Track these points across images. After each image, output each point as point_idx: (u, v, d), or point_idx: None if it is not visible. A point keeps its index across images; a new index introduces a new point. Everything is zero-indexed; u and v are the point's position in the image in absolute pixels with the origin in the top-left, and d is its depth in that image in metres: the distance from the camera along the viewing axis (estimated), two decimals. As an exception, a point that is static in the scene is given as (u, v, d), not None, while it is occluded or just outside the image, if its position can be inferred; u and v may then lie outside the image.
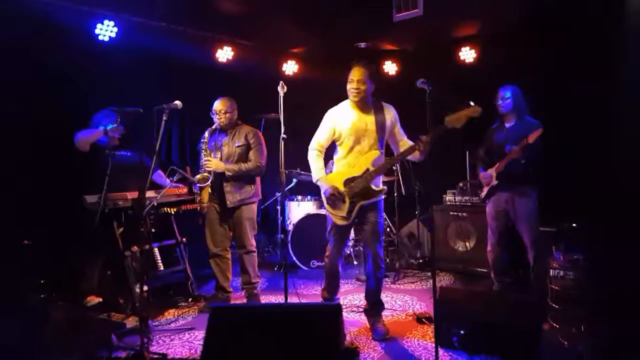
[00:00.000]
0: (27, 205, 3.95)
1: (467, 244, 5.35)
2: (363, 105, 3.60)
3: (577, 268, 3.52)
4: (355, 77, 3.53)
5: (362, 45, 6.15)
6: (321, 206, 6.31)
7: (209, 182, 4.05)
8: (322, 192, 3.62)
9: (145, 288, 3.80)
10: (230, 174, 4.12)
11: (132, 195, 3.96)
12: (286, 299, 3.32)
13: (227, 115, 4.19)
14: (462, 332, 3.24)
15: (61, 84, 4.44)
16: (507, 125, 4.13)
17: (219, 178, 4.15)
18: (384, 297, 3.74)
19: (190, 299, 4.44)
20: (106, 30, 4.58)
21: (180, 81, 5.61)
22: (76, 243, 4.15)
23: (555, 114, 4.36)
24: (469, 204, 5.42)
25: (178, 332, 3.71)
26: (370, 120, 3.58)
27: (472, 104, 3.23)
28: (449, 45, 6.02)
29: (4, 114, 3.87)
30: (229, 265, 4.38)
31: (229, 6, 4.83)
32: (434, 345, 3.26)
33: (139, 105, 3.73)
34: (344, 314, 4.01)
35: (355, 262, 5.72)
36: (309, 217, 5.66)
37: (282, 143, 3.37)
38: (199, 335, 3.65)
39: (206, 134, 4.18)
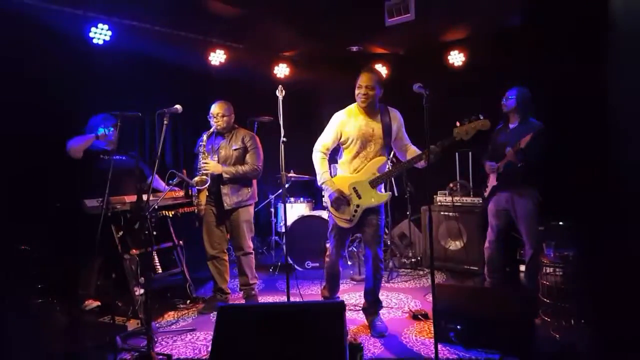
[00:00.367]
0: (24, 210, 3.96)
1: (458, 243, 5.47)
2: (370, 110, 3.66)
3: (567, 264, 3.63)
4: (363, 83, 3.57)
5: (354, 48, 6.24)
6: (314, 208, 6.39)
7: (207, 185, 4.10)
8: (327, 194, 3.66)
9: (142, 291, 3.88)
10: (227, 176, 4.17)
11: (130, 198, 3.99)
12: (288, 297, 3.38)
13: (225, 118, 4.25)
14: (458, 327, 3.35)
15: (55, 87, 4.44)
16: (511, 126, 4.20)
17: (217, 181, 4.20)
18: (380, 295, 3.84)
19: (188, 301, 4.48)
20: (100, 34, 4.59)
21: (174, 84, 5.66)
22: (73, 247, 4.17)
23: (543, 115, 4.47)
24: (459, 204, 5.54)
25: (180, 334, 3.75)
26: (377, 125, 3.64)
27: (481, 117, 3.31)
28: (439, 49, 6.14)
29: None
30: (227, 267, 4.43)
31: (222, 9, 4.86)
32: (431, 340, 3.38)
33: (131, 108, 3.75)
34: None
35: (349, 262, 5.80)
36: (302, 219, 5.72)
37: (282, 146, 3.42)
38: (201, 336, 3.70)
39: (204, 137, 4.22)
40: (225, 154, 4.28)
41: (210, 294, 4.51)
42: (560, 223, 4.56)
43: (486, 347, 3.26)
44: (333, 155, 3.84)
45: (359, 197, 3.59)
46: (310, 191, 7.11)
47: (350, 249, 5.84)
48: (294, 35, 5.80)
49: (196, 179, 4.09)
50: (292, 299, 3.48)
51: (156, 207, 3.71)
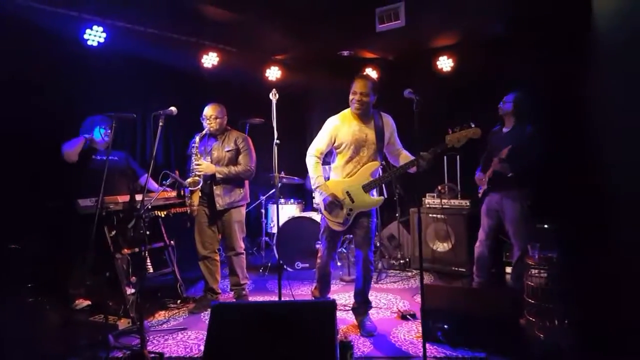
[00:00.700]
0: (16, 209, 3.97)
1: (446, 245, 5.55)
2: (364, 116, 3.71)
3: (551, 265, 3.72)
4: (358, 89, 3.62)
5: (345, 53, 6.32)
6: (304, 209, 6.45)
7: (199, 186, 4.14)
8: (321, 198, 3.72)
9: (133, 290, 3.91)
10: (220, 176, 4.22)
11: (123, 198, 4.02)
12: (280, 297, 3.43)
13: (218, 120, 4.30)
14: (445, 326, 3.43)
15: (50, 88, 4.47)
16: (505, 129, 4.29)
17: (209, 182, 4.26)
18: (369, 296, 3.91)
19: (179, 301, 4.52)
20: (95, 36, 4.62)
21: (166, 86, 5.70)
22: (65, 246, 4.19)
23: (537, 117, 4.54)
24: (448, 206, 5.63)
25: (171, 333, 3.79)
26: (370, 131, 3.69)
27: (472, 125, 3.39)
28: (428, 54, 6.24)
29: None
30: (218, 267, 4.48)
31: (215, 13, 4.91)
32: (419, 340, 3.45)
33: (123, 109, 3.79)
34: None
35: (339, 264, 5.87)
36: (293, 220, 5.77)
37: (275, 148, 3.48)
38: (192, 335, 3.74)
39: (196, 139, 4.26)
40: (218, 155, 4.32)
41: (200, 294, 4.55)
42: (546, 226, 4.69)
43: (473, 346, 3.35)
44: (326, 158, 3.89)
45: (352, 201, 3.65)
46: (301, 193, 7.17)
47: (339, 250, 5.90)
48: (286, 39, 5.86)
49: (189, 180, 4.13)
50: (283, 298, 3.53)
51: (149, 206, 3.75)
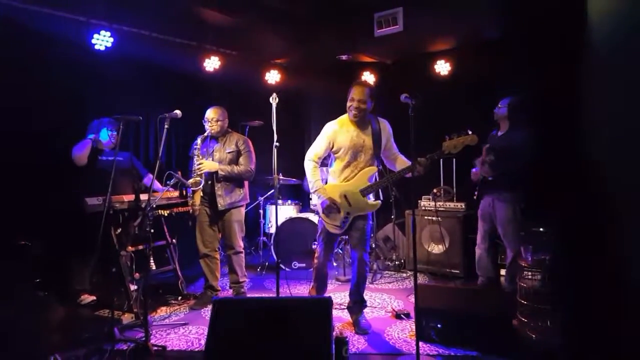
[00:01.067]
0: (26, 207, 4.10)
1: (440, 247, 5.67)
2: (361, 121, 3.79)
3: (543, 267, 3.83)
4: (356, 97, 3.69)
5: (344, 57, 6.44)
6: (301, 210, 6.57)
7: (201, 186, 4.26)
8: (319, 202, 3.80)
9: (135, 287, 4.04)
10: (223, 173, 4.35)
11: (128, 197, 4.15)
12: (278, 294, 3.56)
13: (219, 123, 4.42)
14: (439, 325, 3.55)
15: (59, 90, 4.62)
16: (500, 133, 4.40)
17: (211, 182, 4.38)
18: (364, 295, 4.02)
19: (180, 297, 4.64)
20: (102, 40, 4.74)
21: (169, 89, 5.84)
22: (71, 243, 4.32)
23: (531, 120, 4.62)
24: (443, 209, 5.74)
25: (173, 327, 3.91)
26: (367, 136, 3.78)
27: (469, 132, 3.50)
28: (425, 58, 6.35)
29: (3, 121, 4.02)
30: (218, 265, 4.60)
31: (217, 18, 5.04)
32: (413, 338, 3.57)
33: (128, 110, 3.91)
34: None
35: (334, 264, 5.99)
36: (290, 221, 5.89)
37: (275, 151, 3.60)
38: (193, 330, 3.87)
39: (198, 141, 4.39)
40: (220, 156, 4.45)
41: (200, 291, 4.67)
42: (541, 229, 4.80)
43: (466, 345, 3.45)
44: (324, 160, 3.99)
45: (350, 205, 3.76)
46: (298, 194, 7.30)
47: (335, 250, 6.01)
48: (286, 44, 5.98)
49: (191, 180, 4.25)
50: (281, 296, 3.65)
51: (154, 205, 3.87)
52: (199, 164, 4.29)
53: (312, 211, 6.20)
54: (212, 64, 5.87)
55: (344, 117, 3.88)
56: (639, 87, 2.69)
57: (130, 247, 4.16)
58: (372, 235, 6.03)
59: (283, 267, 5.73)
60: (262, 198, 6.50)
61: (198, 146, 4.36)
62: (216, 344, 2.61)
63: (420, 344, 3.27)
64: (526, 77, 4.76)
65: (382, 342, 3.66)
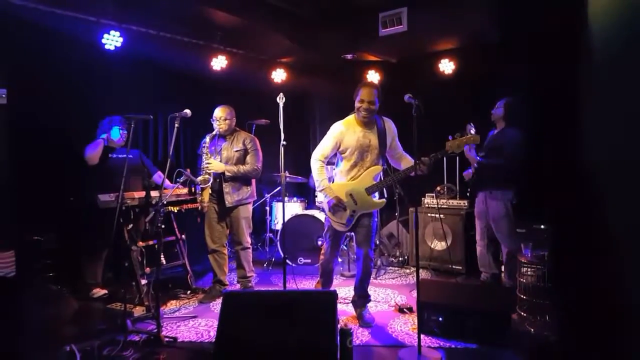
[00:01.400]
0: (40, 202, 4.22)
1: (443, 243, 5.76)
2: (368, 122, 3.85)
3: (543, 263, 3.92)
4: (366, 98, 3.72)
5: (349, 56, 6.53)
6: (307, 207, 6.68)
7: (209, 184, 4.38)
8: (325, 201, 3.89)
9: (146, 281, 4.17)
10: (229, 174, 4.46)
11: (139, 194, 4.27)
12: (285, 288, 3.67)
13: (227, 122, 4.53)
14: (440, 318, 3.65)
15: (70, 90, 4.75)
16: (495, 132, 4.52)
17: (219, 180, 4.50)
18: (368, 290, 4.12)
19: (189, 291, 4.76)
20: (112, 40, 4.85)
21: (177, 87, 5.96)
22: (84, 239, 4.45)
23: (530, 120, 4.71)
24: (445, 206, 5.83)
25: (183, 320, 4.04)
26: (373, 136, 3.84)
27: (472, 132, 3.60)
28: (430, 57, 6.43)
29: (18, 119, 4.14)
30: (226, 260, 4.72)
31: (224, 18, 5.14)
32: (415, 331, 3.67)
33: (137, 109, 4.03)
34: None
35: (339, 259, 6.09)
36: (296, 217, 5.99)
37: (282, 149, 3.71)
38: (202, 322, 3.99)
39: (207, 139, 4.49)
40: (227, 155, 4.55)
41: (209, 285, 4.79)
42: (542, 227, 4.88)
43: (466, 338, 3.54)
44: (330, 159, 4.06)
45: (356, 203, 3.85)
46: (303, 191, 7.41)
47: (341, 247, 6.11)
48: (292, 43, 6.06)
49: (199, 178, 4.36)
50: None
51: (165, 202, 3.99)
52: (207, 163, 4.39)
53: (318, 208, 6.30)
54: (219, 62, 5.96)
55: (350, 118, 3.94)
56: (639, 88, 2.79)
57: (140, 243, 4.29)
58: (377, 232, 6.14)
59: (289, 263, 5.85)
60: (269, 195, 6.61)
61: (206, 144, 4.47)
62: (226, 334, 2.73)
63: (422, 336, 3.37)
64: (526, 78, 4.87)
65: (385, 334, 3.77)
